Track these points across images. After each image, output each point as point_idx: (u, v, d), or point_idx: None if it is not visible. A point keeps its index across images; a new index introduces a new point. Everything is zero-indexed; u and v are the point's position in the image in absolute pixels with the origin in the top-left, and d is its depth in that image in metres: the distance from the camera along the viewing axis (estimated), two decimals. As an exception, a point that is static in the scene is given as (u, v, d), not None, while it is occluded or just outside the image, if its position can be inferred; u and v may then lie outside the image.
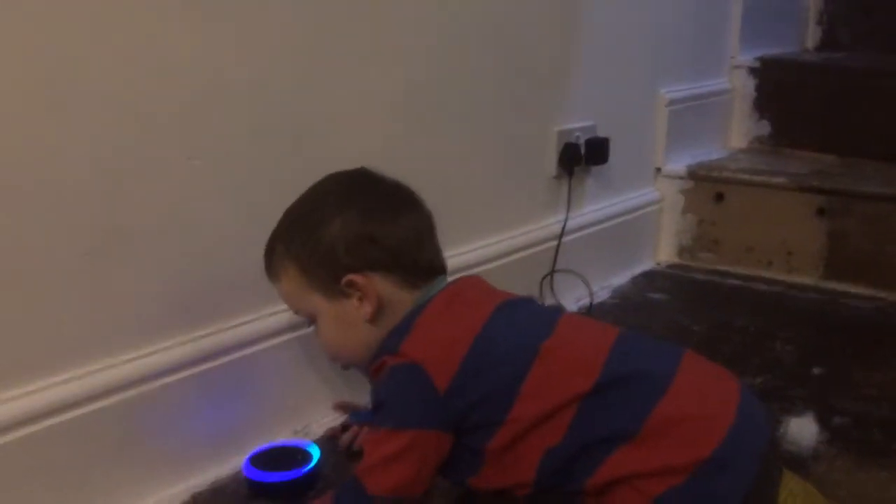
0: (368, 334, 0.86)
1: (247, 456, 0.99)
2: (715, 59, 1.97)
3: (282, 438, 1.06)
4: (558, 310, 0.91)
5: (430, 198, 1.26)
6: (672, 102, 1.78)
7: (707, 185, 1.79)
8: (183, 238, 0.96)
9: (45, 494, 0.87)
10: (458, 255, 1.33)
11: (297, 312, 0.92)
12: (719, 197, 1.78)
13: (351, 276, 0.84)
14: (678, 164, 1.82)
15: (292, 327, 1.07)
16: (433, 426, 0.80)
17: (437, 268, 0.90)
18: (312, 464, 0.98)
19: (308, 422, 1.12)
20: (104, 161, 0.87)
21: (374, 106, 1.16)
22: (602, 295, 1.63)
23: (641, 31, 1.68)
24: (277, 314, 1.06)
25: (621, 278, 1.73)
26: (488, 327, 0.82)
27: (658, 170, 1.82)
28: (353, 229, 0.84)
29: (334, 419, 1.13)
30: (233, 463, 1.01)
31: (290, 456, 0.99)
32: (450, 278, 1.26)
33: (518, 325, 0.84)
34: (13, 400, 0.83)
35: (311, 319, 0.90)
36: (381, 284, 0.85)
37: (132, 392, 0.92)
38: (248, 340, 1.03)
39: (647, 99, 1.75)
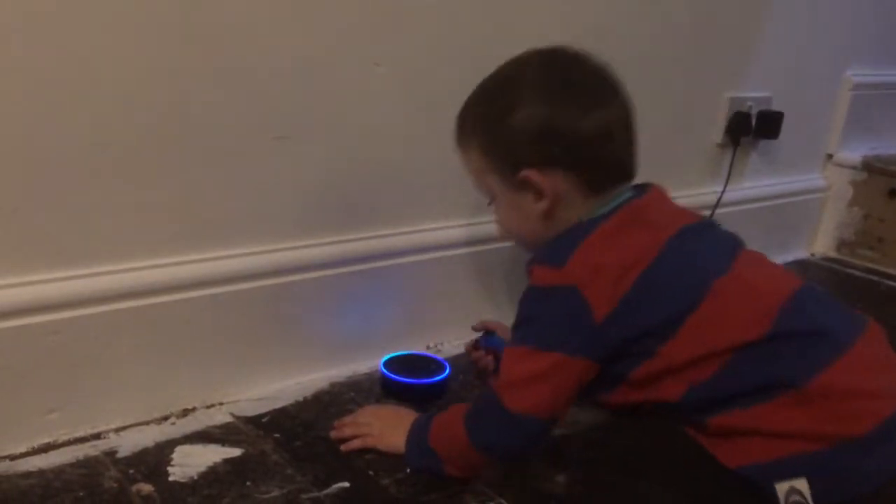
0: (540, 229, 0.82)
1: (383, 358, 1.04)
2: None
3: (415, 350, 1.11)
4: (737, 241, 0.82)
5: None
6: (857, 87, 1.67)
7: (881, 179, 1.68)
8: (359, 137, 1.00)
9: (217, 352, 0.95)
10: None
11: (476, 187, 0.87)
12: (893, 193, 1.67)
13: (528, 172, 0.79)
14: (853, 153, 1.71)
15: (441, 246, 1.11)
16: (582, 354, 0.75)
17: (624, 170, 0.82)
18: (444, 375, 1.01)
19: (442, 339, 1.16)
20: (301, 56, 0.93)
21: (555, 39, 1.15)
22: (748, 275, 1.57)
23: (835, 5, 1.58)
24: (430, 231, 1.10)
25: (771, 262, 1.66)
26: (661, 260, 0.75)
27: (829, 156, 1.73)
28: (537, 121, 0.78)
29: (468, 340, 1.16)
30: (369, 363, 1.06)
31: (423, 365, 1.04)
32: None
33: (693, 259, 0.77)
34: (201, 262, 0.92)
35: (488, 198, 0.86)
36: (559, 183, 0.79)
37: (292, 278, 0.98)
38: (400, 251, 1.08)
39: (830, 79, 1.65)
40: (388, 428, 0.88)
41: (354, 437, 0.89)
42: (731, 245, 0.81)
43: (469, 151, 0.84)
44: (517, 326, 0.80)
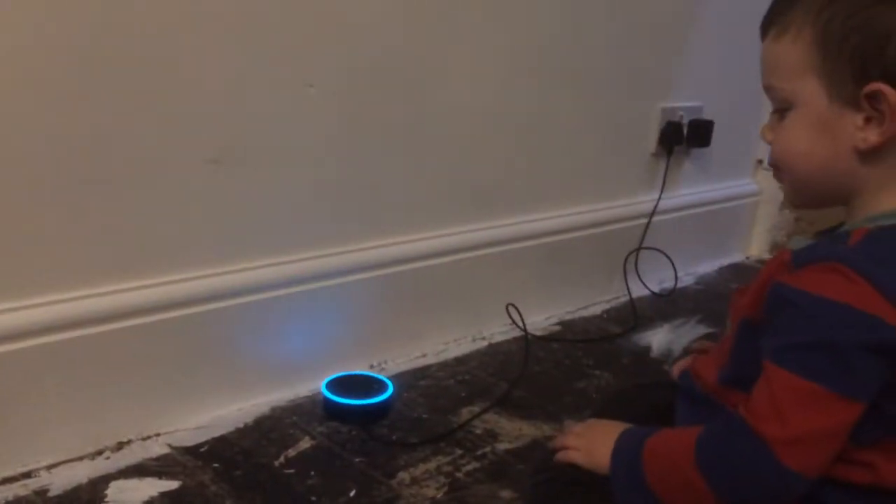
0: (842, 170, 0.63)
1: (325, 380, 1.03)
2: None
3: (358, 370, 1.10)
4: None
5: (532, 156, 1.28)
6: (783, 94, 1.73)
7: (810, 183, 1.73)
8: (291, 159, 0.99)
9: (152, 382, 0.93)
10: (549, 219, 1.34)
11: (767, 88, 0.68)
12: (821, 196, 1.72)
13: (882, 87, 0.59)
14: (782, 158, 1.77)
15: (380, 265, 1.11)
16: (866, 399, 0.58)
17: None
18: (387, 394, 1.01)
19: (385, 358, 1.15)
20: (232, 79, 0.91)
21: (490, 58, 1.17)
22: (686, 280, 1.61)
23: (760, 15, 1.62)
24: (367, 250, 1.10)
25: (708, 267, 1.71)
26: None
27: (760, 161, 1.78)
28: None
29: (410, 360, 1.17)
30: (311, 385, 1.05)
31: (366, 385, 1.03)
32: (519, 244, 1.30)
33: None
34: (130, 291, 0.89)
35: (781, 105, 0.67)
36: None
37: (227, 303, 0.97)
38: (338, 271, 1.07)
39: (758, 88, 1.69)
40: (594, 440, 0.73)
41: (566, 447, 0.75)
42: None
43: (791, 38, 0.64)
44: (794, 347, 0.59)
